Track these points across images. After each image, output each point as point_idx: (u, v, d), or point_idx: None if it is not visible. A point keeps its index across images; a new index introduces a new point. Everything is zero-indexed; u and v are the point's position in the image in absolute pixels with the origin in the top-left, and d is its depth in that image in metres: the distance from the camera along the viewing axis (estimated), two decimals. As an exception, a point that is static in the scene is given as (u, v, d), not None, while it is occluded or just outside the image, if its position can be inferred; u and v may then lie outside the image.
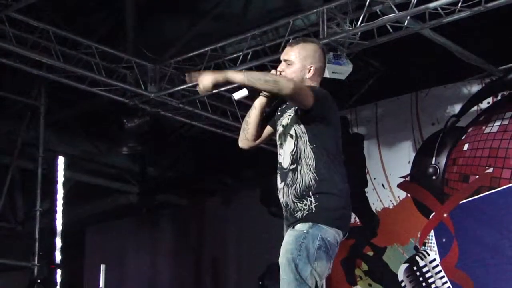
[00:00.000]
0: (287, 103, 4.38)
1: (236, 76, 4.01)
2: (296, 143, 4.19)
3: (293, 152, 4.21)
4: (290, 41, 4.54)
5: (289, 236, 4.17)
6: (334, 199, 4.15)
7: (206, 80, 4.01)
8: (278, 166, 4.39)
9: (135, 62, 8.91)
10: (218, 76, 4.01)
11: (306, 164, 4.16)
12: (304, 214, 4.14)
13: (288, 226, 4.27)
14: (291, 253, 4.08)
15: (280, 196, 4.33)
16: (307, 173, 4.15)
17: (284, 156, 4.29)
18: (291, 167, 4.21)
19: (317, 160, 4.13)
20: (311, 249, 4.06)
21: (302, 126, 4.17)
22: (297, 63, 4.28)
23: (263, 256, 10.86)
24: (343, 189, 4.19)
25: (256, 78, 3.99)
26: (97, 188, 12.78)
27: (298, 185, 4.18)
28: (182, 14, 9.23)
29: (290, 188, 4.21)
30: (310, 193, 4.13)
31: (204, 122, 9.96)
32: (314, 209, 4.11)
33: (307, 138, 4.17)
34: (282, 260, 4.12)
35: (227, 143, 10.49)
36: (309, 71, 4.28)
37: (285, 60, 4.31)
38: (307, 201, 4.14)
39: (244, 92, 4.17)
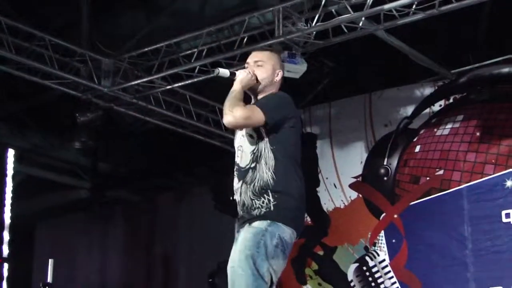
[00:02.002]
0: (250, 103, 4.51)
1: (238, 85, 4.37)
2: (257, 143, 4.35)
3: (254, 151, 4.35)
4: (255, 48, 4.96)
5: (247, 233, 4.25)
6: (291, 200, 4.28)
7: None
8: (236, 166, 4.50)
9: (89, 55, 8.82)
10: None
11: (266, 164, 4.30)
12: (262, 212, 4.27)
13: (243, 224, 4.33)
14: (250, 249, 4.16)
15: (237, 196, 4.43)
16: (265, 172, 4.28)
17: (242, 156, 4.43)
18: (251, 166, 4.35)
19: (276, 161, 4.28)
20: (269, 246, 4.16)
21: (262, 128, 4.32)
22: (269, 65, 4.54)
23: (214, 253, 10.84)
24: (299, 190, 4.33)
25: (232, 95, 4.30)
26: (48, 183, 12.65)
27: (256, 183, 4.30)
28: (139, 9, 9.18)
29: (248, 186, 4.32)
30: (269, 191, 4.27)
31: (158, 118, 9.91)
32: (272, 207, 4.23)
33: (267, 140, 4.33)
34: (240, 256, 4.18)
35: (180, 140, 10.49)
36: (277, 75, 4.55)
37: (255, 62, 4.53)
38: (265, 199, 4.27)
39: (226, 73, 4.46)
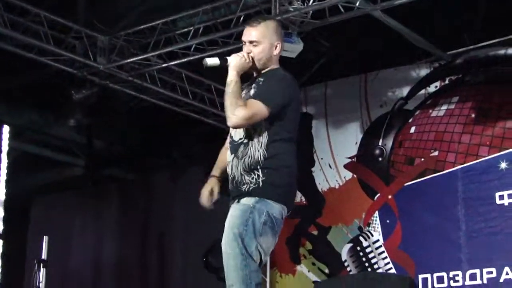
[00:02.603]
0: (249, 82, 4.49)
1: (232, 71, 4.27)
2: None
3: (250, 127, 4.30)
4: (249, 21, 4.57)
5: (234, 210, 4.25)
6: (281, 176, 4.27)
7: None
8: (230, 139, 4.50)
9: (84, 32, 8.80)
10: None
11: (258, 141, 4.28)
12: (251, 188, 4.25)
13: (233, 199, 4.34)
14: (238, 227, 4.16)
15: (229, 169, 4.43)
16: (257, 149, 4.26)
17: (236, 129, 4.38)
18: (244, 141, 4.33)
19: (270, 139, 4.26)
20: (257, 224, 4.15)
21: None
22: (264, 42, 4.40)
23: (209, 232, 10.83)
24: (291, 166, 4.32)
25: (230, 91, 4.22)
26: (43, 160, 12.64)
27: (247, 158, 4.29)
28: (135, -14, 9.15)
29: (239, 161, 4.32)
30: (259, 167, 4.25)
31: (153, 96, 9.90)
32: (261, 183, 4.22)
33: (265, 120, 4.27)
34: (229, 233, 4.18)
35: (176, 118, 10.47)
36: (276, 48, 4.44)
37: (250, 42, 4.41)
38: (255, 175, 4.25)
39: (215, 61, 4.35)
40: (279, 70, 4.49)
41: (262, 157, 4.24)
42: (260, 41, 4.40)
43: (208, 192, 4.65)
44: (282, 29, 4.61)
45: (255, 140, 4.29)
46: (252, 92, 4.39)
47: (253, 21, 4.50)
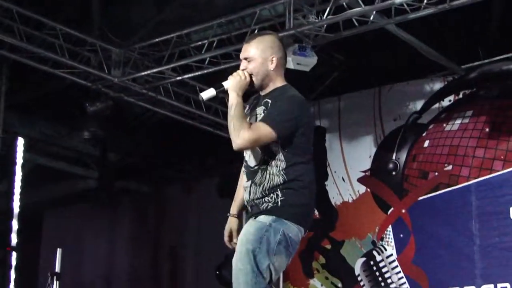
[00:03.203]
0: (256, 101, 4.43)
1: (232, 93, 4.19)
2: (268, 145, 4.20)
3: (264, 152, 4.23)
4: (246, 38, 4.52)
5: (250, 226, 4.19)
6: (300, 197, 4.19)
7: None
8: (244, 164, 4.43)
9: (99, 45, 8.84)
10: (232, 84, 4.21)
11: (276, 166, 4.20)
12: (269, 206, 4.19)
13: (249, 217, 4.30)
14: (252, 244, 4.09)
15: (246, 195, 4.36)
16: (276, 174, 4.19)
17: (251, 154, 4.32)
18: (261, 167, 4.25)
19: (287, 163, 4.18)
20: (272, 243, 4.08)
21: None
22: (258, 57, 4.30)
23: (221, 245, 10.83)
24: (309, 187, 4.26)
25: (232, 114, 4.14)
26: (57, 172, 12.69)
27: (266, 184, 4.21)
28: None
29: (258, 187, 4.25)
30: (278, 189, 4.16)
31: (167, 109, 9.93)
32: (279, 203, 4.15)
33: (279, 144, 4.19)
34: (241, 249, 4.12)
35: (189, 131, 10.49)
36: (272, 62, 4.32)
37: (245, 58, 4.34)
38: (274, 195, 4.18)
39: (211, 92, 4.29)
40: (286, 88, 4.37)
41: (281, 181, 4.18)
42: (252, 57, 4.32)
43: (228, 234, 4.63)
44: (283, 42, 4.54)
45: (273, 165, 4.21)
46: (261, 113, 4.31)
47: (248, 38, 4.45)
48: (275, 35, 4.50)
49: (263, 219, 4.15)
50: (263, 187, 4.21)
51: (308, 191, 4.24)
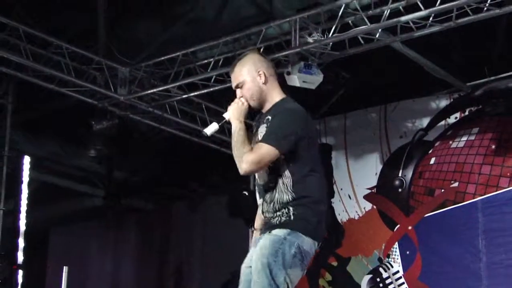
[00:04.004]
0: (259, 119, 4.44)
1: (234, 121, 4.25)
2: (274, 163, 4.20)
3: (271, 170, 4.24)
4: (230, 69, 4.54)
5: (265, 240, 4.18)
6: (312, 212, 4.18)
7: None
8: (255, 182, 4.47)
9: (105, 64, 8.86)
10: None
11: (283, 183, 4.21)
12: (282, 220, 4.17)
13: (264, 232, 4.28)
14: (267, 257, 4.10)
15: (259, 211, 4.39)
16: (284, 192, 4.19)
17: (260, 172, 4.31)
18: (270, 184, 4.26)
19: (294, 179, 4.18)
20: (287, 255, 4.08)
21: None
22: (246, 79, 4.33)
23: (227, 263, 10.83)
24: (319, 201, 4.24)
25: (235, 140, 4.21)
26: (63, 190, 12.70)
27: (276, 202, 4.22)
28: (155, 18, 9.20)
29: (269, 205, 4.27)
30: (289, 205, 4.17)
31: (173, 127, 9.94)
32: (292, 217, 4.15)
33: (284, 161, 4.20)
34: (257, 263, 4.12)
35: (195, 149, 10.49)
36: (260, 77, 4.33)
37: (236, 86, 4.38)
38: (286, 210, 4.18)
39: (214, 127, 4.38)
40: (284, 102, 4.37)
41: (290, 198, 4.18)
42: (241, 82, 4.36)
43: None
44: (263, 55, 4.55)
45: (280, 182, 4.22)
46: (263, 131, 4.28)
47: (231, 67, 4.47)
48: (253, 51, 4.53)
49: (278, 232, 4.14)
50: (273, 204, 4.22)
51: (318, 205, 4.23)
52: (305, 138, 4.21)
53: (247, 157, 4.12)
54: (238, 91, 4.38)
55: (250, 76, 4.34)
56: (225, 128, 10.01)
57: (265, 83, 4.33)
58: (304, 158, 4.22)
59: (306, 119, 4.30)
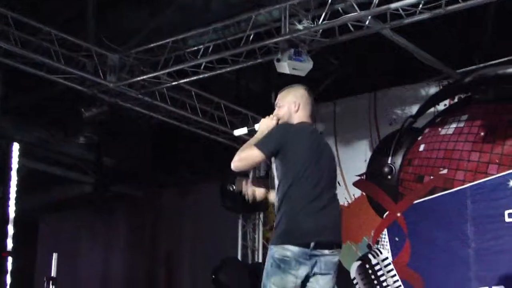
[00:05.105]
0: None
1: (258, 132, 4.95)
2: (274, 169, 4.87)
3: (274, 176, 4.89)
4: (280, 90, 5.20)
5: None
6: (290, 219, 4.68)
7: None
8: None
9: (95, 50, 8.82)
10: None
11: (277, 189, 4.82)
12: (273, 236, 4.82)
13: None
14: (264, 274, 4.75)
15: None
16: (277, 195, 4.79)
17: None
18: (276, 188, 4.87)
19: (283, 186, 4.73)
20: (268, 267, 4.68)
21: (273, 159, 4.83)
22: (284, 104, 5.02)
23: (218, 250, 10.87)
24: (302, 207, 4.67)
25: (248, 142, 4.83)
26: (52, 177, 12.67)
27: (276, 202, 4.85)
28: (144, 4, 9.18)
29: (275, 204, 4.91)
30: (280, 210, 4.75)
31: (163, 114, 9.92)
32: (277, 231, 4.72)
33: (275, 167, 4.83)
34: None
35: (184, 136, 10.49)
36: (295, 106, 4.98)
37: (276, 104, 5.08)
38: (277, 219, 4.77)
39: (244, 131, 5.16)
40: (292, 124, 4.99)
41: (280, 201, 4.76)
42: (280, 104, 5.06)
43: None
44: (309, 93, 5.11)
45: (276, 187, 4.83)
46: None
47: (281, 89, 5.16)
48: (302, 87, 5.14)
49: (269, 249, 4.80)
50: (275, 204, 4.87)
51: (297, 213, 4.67)
52: (286, 145, 4.76)
53: (238, 154, 4.77)
54: (276, 109, 5.06)
55: (287, 104, 5.01)
56: (215, 115, 10.08)
57: (296, 111, 4.99)
58: (290, 166, 4.75)
59: (290, 130, 4.87)
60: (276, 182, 4.81)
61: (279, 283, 4.60)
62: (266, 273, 4.66)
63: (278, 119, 5.00)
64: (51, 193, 13.36)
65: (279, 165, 4.77)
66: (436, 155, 9.22)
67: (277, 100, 5.09)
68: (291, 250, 4.58)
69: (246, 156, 4.75)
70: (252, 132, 5.02)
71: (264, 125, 4.98)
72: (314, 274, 4.68)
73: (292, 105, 4.99)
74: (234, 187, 9.58)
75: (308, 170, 4.72)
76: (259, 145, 4.74)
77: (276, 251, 4.62)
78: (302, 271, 4.62)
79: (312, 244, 4.60)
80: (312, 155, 4.80)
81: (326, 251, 4.70)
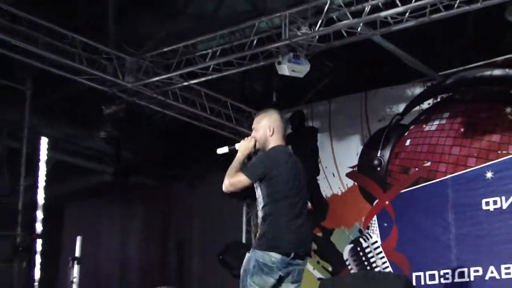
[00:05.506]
0: (256, 152, 5.29)
1: (239, 152, 5.13)
2: (258, 190, 5.07)
3: (257, 195, 5.09)
4: (256, 114, 5.44)
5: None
6: (274, 231, 4.93)
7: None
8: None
9: (114, 54, 8.82)
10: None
11: (260, 206, 5.06)
12: (254, 240, 5.13)
13: None
14: (242, 269, 4.99)
15: None
16: (260, 211, 5.05)
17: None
18: (258, 206, 5.10)
19: (266, 204, 5.00)
20: (250, 268, 4.92)
21: (258, 182, 5.04)
22: (259, 128, 5.22)
23: (223, 235, 10.86)
24: (288, 223, 4.95)
25: (232, 165, 5.05)
26: (76, 168, 12.67)
27: (257, 219, 5.16)
28: (159, 13, 9.15)
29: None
30: (262, 225, 5.01)
31: (175, 111, 9.90)
32: (258, 238, 5.00)
33: (259, 189, 5.05)
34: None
35: (194, 131, 10.47)
36: (270, 130, 5.18)
37: (252, 128, 5.26)
38: (260, 230, 5.02)
39: (225, 150, 5.25)
40: (271, 149, 5.17)
41: (262, 218, 5.02)
42: (258, 127, 5.23)
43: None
44: (281, 115, 5.33)
45: (260, 205, 5.06)
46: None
47: (257, 113, 5.37)
48: (274, 111, 5.36)
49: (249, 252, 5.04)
50: (259, 220, 5.10)
51: (277, 226, 4.94)
52: (271, 171, 4.96)
53: (226, 180, 4.99)
54: (253, 132, 5.22)
55: (263, 128, 5.20)
56: (222, 112, 10.06)
57: (271, 135, 5.17)
58: (273, 187, 4.98)
59: (276, 157, 5.07)
60: (260, 201, 5.03)
61: (259, 282, 4.87)
62: (247, 272, 4.91)
63: (256, 141, 5.19)
64: (75, 182, 13.35)
65: (264, 187, 4.99)
66: (420, 149, 9.19)
67: (253, 124, 5.28)
68: (275, 257, 4.87)
69: (236, 182, 4.96)
70: (232, 151, 5.19)
71: (243, 146, 5.16)
72: (287, 281, 4.98)
73: (267, 130, 5.17)
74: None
75: (288, 191, 4.99)
76: (247, 172, 4.97)
77: (262, 255, 4.88)
78: (280, 274, 4.91)
79: (292, 255, 4.91)
80: (290, 178, 5.03)
81: (300, 261, 5.00)
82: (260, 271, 4.89)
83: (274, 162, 5.03)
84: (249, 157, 5.22)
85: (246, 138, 5.23)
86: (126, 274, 13.42)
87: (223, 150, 5.28)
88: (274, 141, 5.20)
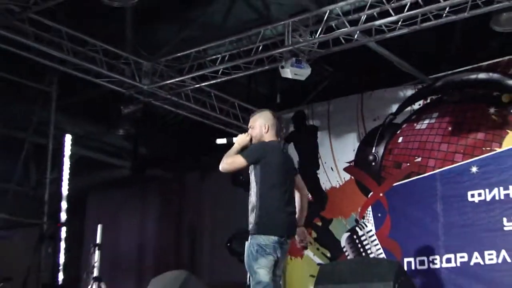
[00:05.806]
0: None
1: (235, 144, 5.31)
2: (252, 175, 5.22)
3: (251, 181, 5.23)
4: (252, 113, 5.60)
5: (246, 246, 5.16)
6: (270, 215, 5.09)
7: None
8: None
9: (132, 59, 8.83)
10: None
11: (253, 191, 5.19)
12: (250, 227, 5.16)
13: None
14: (246, 257, 5.12)
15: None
16: (253, 196, 5.17)
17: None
18: (249, 192, 5.24)
19: (258, 189, 5.14)
20: (253, 252, 5.06)
21: (252, 165, 5.21)
22: (256, 125, 5.40)
23: (231, 222, 10.86)
24: (278, 207, 5.13)
25: (228, 153, 5.25)
26: (97, 162, 12.71)
27: (250, 204, 5.22)
28: (173, 21, 9.17)
29: (248, 205, 5.23)
30: (255, 210, 5.13)
31: (187, 111, 9.92)
32: (255, 224, 5.11)
33: (253, 174, 5.21)
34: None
35: (204, 129, 10.49)
36: (265, 128, 5.38)
37: (249, 126, 5.44)
38: (252, 217, 5.14)
39: (224, 141, 5.44)
40: (267, 142, 5.35)
41: (255, 202, 5.13)
42: (254, 126, 5.41)
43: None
44: (274, 114, 5.50)
45: (252, 189, 5.18)
46: None
47: (253, 113, 5.54)
48: (268, 110, 5.52)
49: (249, 239, 5.14)
50: (249, 205, 5.20)
51: (277, 208, 5.10)
52: (265, 157, 5.15)
53: (224, 159, 5.19)
54: (250, 129, 5.40)
55: (259, 126, 5.38)
56: (230, 112, 10.08)
57: (266, 132, 5.36)
58: (266, 174, 5.13)
59: (267, 147, 5.25)
60: (253, 185, 5.15)
61: (265, 263, 5.02)
62: (251, 256, 5.04)
63: (252, 137, 5.35)
64: (97, 175, 13.39)
65: (258, 171, 5.13)
66: (412, 146, 9.19)
67: (250, 122, 5.44)
68: (272, 238, 5.05)
69: (233, 161, 5.14)
70: (230, 142, 5.33)
71: (240, 139, 5.32)
72: (278, 258, 5.15)
73: (262, 128, 5.35)
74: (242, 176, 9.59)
75: (279, 179, 5.16)
76: (244, 155, 5.15)
77: (262, 239, 5.03)
78: (277, 253, 5.09)
79: (285, 236, 5.12)
80: (282, 168, 5.21)
81: (288, 241, 5.21)
82: (264, 252, 5.03)
83: (268, 150, 5.23)
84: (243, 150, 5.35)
85: (242, 134, 5.38)
86: (142, 259, 13.47)
87: (222, 140, 5.46)
88: (269, 137, 5.39)
